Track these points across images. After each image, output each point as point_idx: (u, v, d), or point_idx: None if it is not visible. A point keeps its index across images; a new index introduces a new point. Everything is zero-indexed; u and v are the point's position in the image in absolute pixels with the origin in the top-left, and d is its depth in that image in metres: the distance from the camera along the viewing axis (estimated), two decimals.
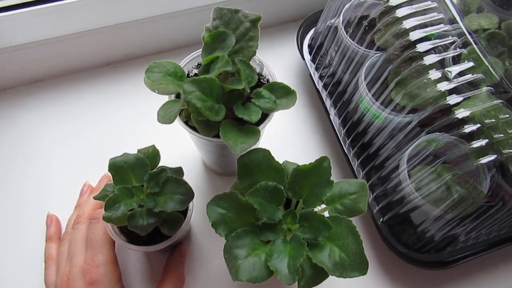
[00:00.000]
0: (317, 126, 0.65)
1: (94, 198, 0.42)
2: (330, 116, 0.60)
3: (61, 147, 0.63)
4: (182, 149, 0.61)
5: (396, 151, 0.50)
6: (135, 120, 0.65)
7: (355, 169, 0.57)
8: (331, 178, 0.42)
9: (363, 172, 0.56)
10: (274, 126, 0.64)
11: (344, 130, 0.59)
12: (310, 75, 0.64)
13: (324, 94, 0.62)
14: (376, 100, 0.51)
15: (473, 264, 0.54)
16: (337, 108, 0.60)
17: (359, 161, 0.57)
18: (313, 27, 0.67)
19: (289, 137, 0.64)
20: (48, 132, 0.64)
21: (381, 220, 0.54)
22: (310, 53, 0.65)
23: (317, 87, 0.63)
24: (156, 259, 0.54)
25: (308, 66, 0.65)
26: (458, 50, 0.46)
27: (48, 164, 0.62)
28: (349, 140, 0.58)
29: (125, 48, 0.69)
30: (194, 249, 0.56)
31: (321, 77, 0.63)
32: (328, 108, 0.61)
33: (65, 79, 0.68)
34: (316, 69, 0.64)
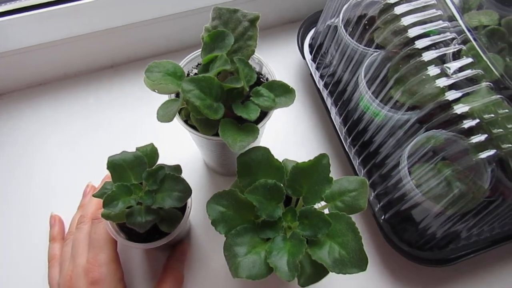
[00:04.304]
0: (319, 125, 0.65)
1: (93, 196, 0.43)
2: (331, 115, 0.60)
3: (64, 149, 0.64)
4: (184, 151, 0.62)
5: (396, 149, 0.49)
6: (138, 121, 0.65)
7: (356, 167, 0.57)
8: (331, 176, 0.42)
9: (364, 170, 0.56)
10: (275, 125, 0.64)
11: (345, 128, 0.59)
12: (311, 74, 0.64)
13: (325, 93, 0.62)
14: (376, 97, 0.51)
15: (476, 261, 0.54)
16: (337, 107, 0.60)
17: (360, 159, 0.57)
18: (314, 27, 0.67)
19: (290, 137, 0.64)
20: (51, 134, 0.65)
21: (382, 218, 0.54)
22: (310, 53, 0.66)
23: (318, 86, 0.63)
24: (158, 258, 0.55)
25: (309, 65, 0.65)
26: (457, 46, 0.46)
27: (52, 166, 0.62)
28: (350, 138, 0.58)
29: (127, 50, 0.70)
30: (194, 248, 0.56)
31: (321, 77, 0.63)
32: (329, 107, 0.61)
33: (67, 82, 0.69)
34: (317, 68, 0.64)
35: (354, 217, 0.56)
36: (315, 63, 0.64)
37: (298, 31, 0.67)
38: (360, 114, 0.55)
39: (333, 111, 0.61)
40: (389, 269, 0.55)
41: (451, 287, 0.54)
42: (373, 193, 0.55)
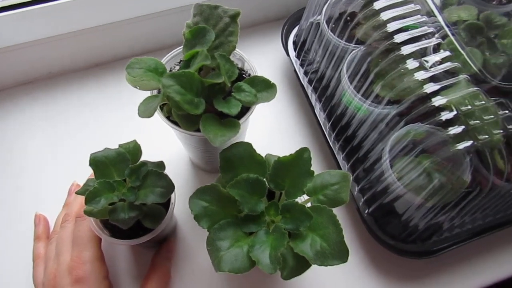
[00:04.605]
0: (303, 121, 0.65)
1: (76, 193, 0.43)
2: (315, 111, 0.61)
3: (49, 147, 0.63)
4: (171, 149, 0.62)
5: (378, 142, 0.50)
6: (125, 119, 0.65)
7: (340, 162, 0.57)
8: (313, 170, 0.43)
9: (348, 165, 0.57)
10: (261, 122, 0.64)
11: (329, 124, 0.59)
12: (295, 71, 0.65)
13: (309, 90, 0.63)
14: (358, 92, 0.51)
15: (459, 252, 0.55)
16: (321, 102, 0.61)
17: (344, 154, 0.57)
18: (298, 24, 0.68)
19: (276, 133, 0.65)
20: (36, 134, 0.64)
21: (366, 212, 0.54)
22: (295, 50, 0.66)
23: (302, 83, 0.63)
24: (144, 255, 0.55)
25: (293, 62, 0.65)
26: (436, 40, 0.46)
27: (37, 165, 0.62)
28: (334, 134, 0.58)
29: (112, 49, 0.70)
30: (181, 245, 0.56)
31: (306, 73, 0.64)
32: (313, 103, 0.62)
33: (52, 81, 0.69)
34: (301, 65, 0.65)
35: (338, 212, 0.58)
36: (299, 60, 0.65)
37: (282, 29, 0.67)
38: (343, 109, 0.56)
39: (317, 107, 0.61)
40: (373, 262, 0.55)
41: (435, 279, 0.55)
42: (357, 188, 0.55)
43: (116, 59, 0.71)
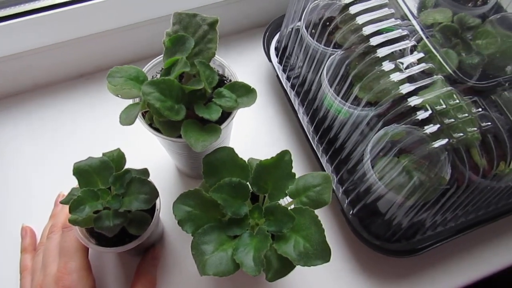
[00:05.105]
0: (287, 125, 0.66)
1: (61, 202, 0.43)
2: (299, 115, 0.62)
3: (36, 159, 0.63)
4: (157, 156, 0.62)
5: (359, 144, 0.51)
6: (112, 128, 0.65)
7: (324, 165, 0.58)
8: (294, 171, 0.43)
9: (332, 167, 0.57)
10: (245, 127, 0.65)
11: (312, 127, 0.60)
12: (278, 76, 0.65)
13: (292, 94, 0.64)
14: (338, 95, 0.52)
15: (443, 250, 0.55)
16: (304, 106, 0.62)
17: (327, 156, 0.58)
18: (279, 30, 0.69)
19: (260, 138, 0.65)
20: (23, 145, 0.65)
21: (351, 213, 0.55)
22: (277, 56, 0.67)
23: (285, 87, 0.64)
24: (131, 263, 0.55)
25: (276, 68, 0.66)
26: (411, 42, 0.48)
27: (24, 176, 0.62)
28: (317, 136, 0.59)
29: (96, 59, 0.70)
30: (168, 251, 0.56)
31: (288, 78, 0.65)
32: (296, 108, 0.63)
33: (38, 92, 0.69)
34: (284, 70, 0.66)
35: (324, 214, 0.59)
36: (281, 65, 0.66)
37: (264, 35, 0.68)
38: (325, 112, 0.57)
39: (300, 110, 0.62)
40: (360, 262, 0.56)
41: (421, 276, 0.55)
42: (341, 189, 0.56)
43: (100, 69, 0.72)
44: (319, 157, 0.59)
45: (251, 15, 0.74)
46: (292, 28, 0.61)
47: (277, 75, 0.66)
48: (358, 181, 0.53)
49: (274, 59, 0.67)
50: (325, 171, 0.57)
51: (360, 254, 0.56)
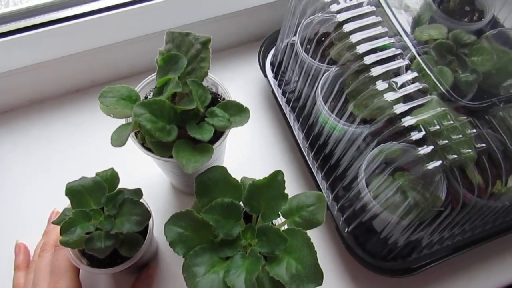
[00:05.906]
0: (282, 141, 0.66)
1: (52, 223, 0.42)
2: (294, 131, 0.61)
3: (30, 175, 0.63)
4: (152, 173, 0.62)
5: (354, 161, 0.51)
6: (106, 145, 0.65)
7: (319, 181, 0.57)
8: (286, 192, 0.43)
9: (327, 184, 0.57)
10: (240, 143, 0.65)
11: (308, 143, 0.60)
12: (273, 91, 0.65)
13: (287, 110, 0.63)
14: (332, 112, 0.52)
15: (440, 269, 0.55)
16: (299, 122, 0.61)
17: (323, 173, 0.58)
18: (275, 45, 0.69)
19: (255, 154, 0.65)
20: (17, 161, 0.64)
21: (346, 230, 0.54)
22: (272, 71, 0.67)
23: (280, 103, 0.64)
24: (125, 282, 0.54)
25: (271, 83, 0.66)
26: (405, 61, 0.47)
27: (18, 192, 0.62)
28: (313, 153, 0.59)
29: (92, 74, 0.70)
30: (162, 271, 0.56)
31: (284, 93, 0.65)
32: (291, 123, 0.62)
33: (33, 108, 0.69)
34: (279, 85, 0.66)
35: (318, 232, 0.58)
36: (277, 80, 0.66)
37: (259, 50, 0.68)
38: (320, 128, 0.56)
39: (295, 126, 0.62)
40: (355, 281, 0.55)
41: None
42: (336, 206, 0.56)
43: (95, 84, 0.71)
44: (314, 173, 0.58)
45: (246, 30, 0.74)
46: (288, 43, 0.61)
47: (272, 90, 0.65)
48: (354, 198, 0.53)
49: (270, 74, 0.67)
50: (320, 187, 0.57)
51: (355, 272, 0.55)
